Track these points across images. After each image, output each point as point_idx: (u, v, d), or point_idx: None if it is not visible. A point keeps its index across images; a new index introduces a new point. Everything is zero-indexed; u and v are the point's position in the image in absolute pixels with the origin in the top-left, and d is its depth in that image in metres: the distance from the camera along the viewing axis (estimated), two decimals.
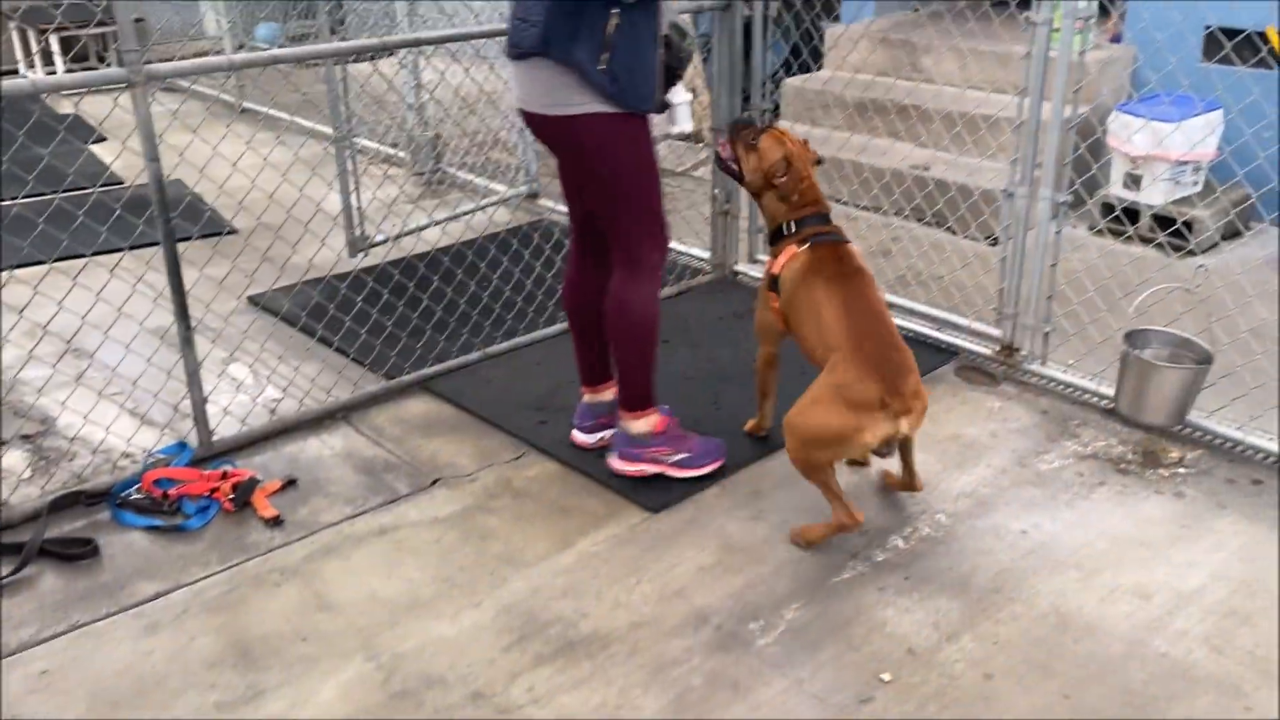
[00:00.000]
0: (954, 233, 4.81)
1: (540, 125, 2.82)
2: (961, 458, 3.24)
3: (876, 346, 2.71)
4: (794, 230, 2.97)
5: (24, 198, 4.51)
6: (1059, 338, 3.70)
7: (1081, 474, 3.15)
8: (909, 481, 3.00)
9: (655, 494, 3.06)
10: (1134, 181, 4.70)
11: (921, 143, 5.25)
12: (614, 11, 2.62)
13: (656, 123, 2.88)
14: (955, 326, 3.90)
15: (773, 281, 2.99)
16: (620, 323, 2.94)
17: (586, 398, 3.24)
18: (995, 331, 3.75)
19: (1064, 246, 3.60)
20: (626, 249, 2.90)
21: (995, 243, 4.60)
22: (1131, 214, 4.69)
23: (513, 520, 2.97)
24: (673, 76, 2.86)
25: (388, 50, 3.43)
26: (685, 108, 2.99)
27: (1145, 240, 4.56)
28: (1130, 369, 3.24)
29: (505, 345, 3.90)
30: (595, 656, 2.47)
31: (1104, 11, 5.15)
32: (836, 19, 6.36)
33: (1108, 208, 4.77)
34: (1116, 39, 5.34)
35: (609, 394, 3.21)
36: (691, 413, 3.47)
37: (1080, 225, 4.82)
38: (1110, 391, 3.40)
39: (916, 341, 3.90)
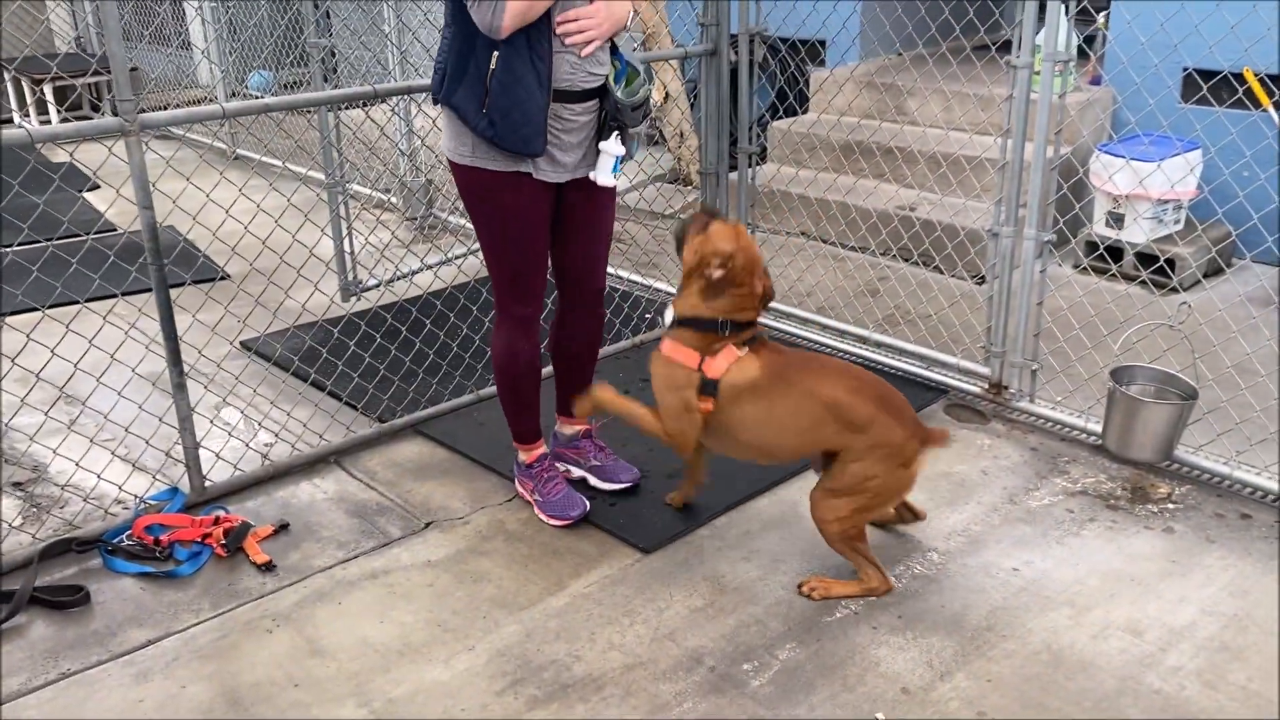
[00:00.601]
0: (941, 271, 4.86)
1: (452, 171, 2.90)
2: (953, 495, 3.25)
3: (880, 392, 2.75)
4: (728, 332, 2.77)
5: (18, 245, 4.52)
6: (1046, 375, 3.74)
7: (1071, 510, 3.16)
8: (913, 512, 3.04)
9: (647, 534, 3.07)
10: (1116, 220, 4.76)
11: (907, 184, 5.32)
12: (495, 53, 2.65)
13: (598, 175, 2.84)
14: (944, 365, 3.93)
15: (707, 385, 2.76)
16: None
17: None
18: (984, 369, 3.78)
19: (1049, 285, 3.65)
20: (495, 296, 3.01)
21: (982, 281, 4.65)
22: (1115, 252, 4.75)
23: (506, 563, 2.97)
24: (613, 126, 2.78)
25: (379, 98, 3.46)
26: (608, 159, 2.80)
27: (1129, 278, 4.62)
28: (1117, 405, 3.27)
29: (460, 400, 3.87)
30: (589, 700, 2.46)
31: (1083, 55, 5.24)
32: (821, 63, 6.45)
33: (1091, 246, 4.83)
34: (1096, 81, 5.43)
35: (565, 428, 3.34)
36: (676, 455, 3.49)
37: (1065, 263, 4.87)
38: (1098, 428, 3.43)
39: (905, 380, 3.94)
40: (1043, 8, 3.33)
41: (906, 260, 5.00)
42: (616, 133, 2.78)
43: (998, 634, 2.65)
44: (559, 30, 2.68)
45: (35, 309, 3.36)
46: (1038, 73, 3.40)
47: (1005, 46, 3.65)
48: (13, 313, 3.88)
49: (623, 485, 3.26)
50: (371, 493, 3.32)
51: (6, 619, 2.73)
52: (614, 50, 2.85)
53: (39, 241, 3.66)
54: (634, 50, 3.09)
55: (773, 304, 4.45)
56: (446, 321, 4.31)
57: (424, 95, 4.57)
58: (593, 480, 3.28)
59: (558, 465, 3.28)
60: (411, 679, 2.54)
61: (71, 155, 3.33)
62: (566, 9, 2.68)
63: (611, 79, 2.80)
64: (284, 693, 2.50)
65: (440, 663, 2.59)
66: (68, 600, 2.81)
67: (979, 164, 5.04)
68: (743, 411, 2.76)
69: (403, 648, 2.64)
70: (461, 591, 2.85)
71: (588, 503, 3.16)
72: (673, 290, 4.76)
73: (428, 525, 3.14)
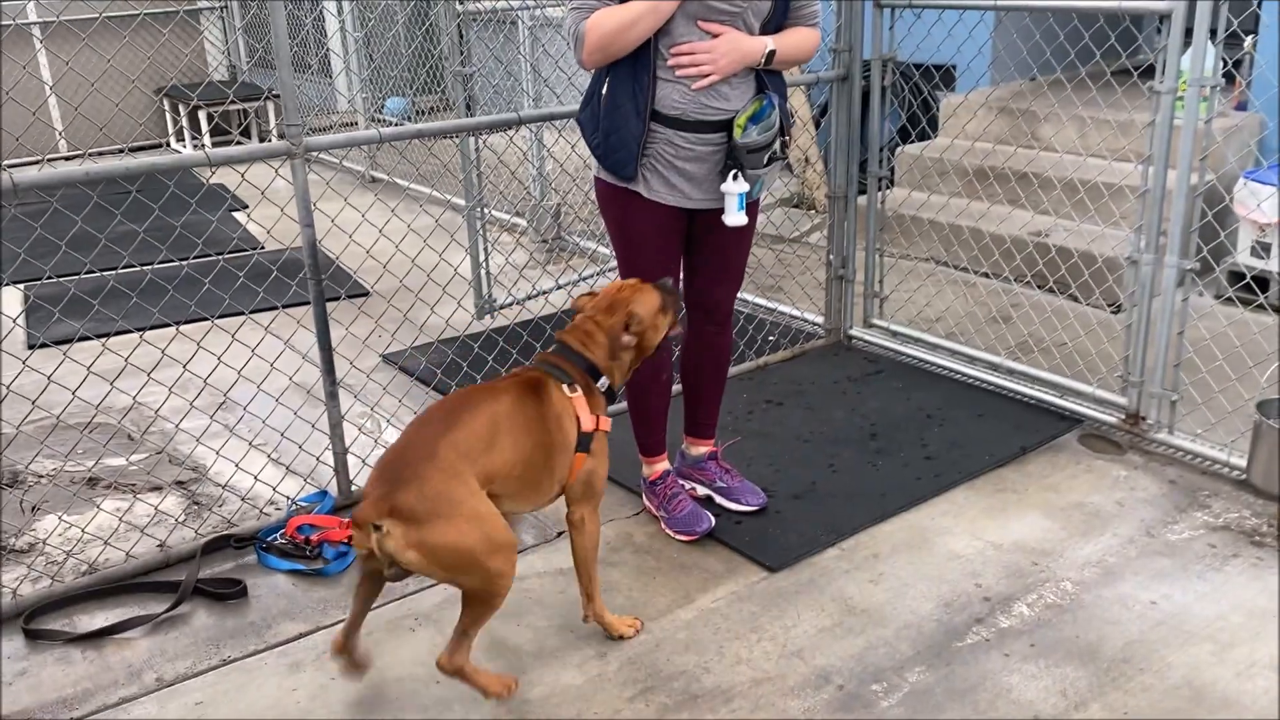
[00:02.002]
0: (1077, 300, 4.76)
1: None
2: (1086, 526, 3.20)
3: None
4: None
5: (160, 263, 4.82)
6: (1186, 406, 3.64)
7: (1213, 545, 3.08)
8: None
9: (773, 553, 3.10)
10: (1263, 249, 4.60)
11: (1042, 209, 5.24)
12: (606, 79, 2.81)
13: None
14: (1078, 394, 3.86)
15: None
16: None
17: None
18: (1120, 399, 3.70)
19: (1191, 314, 3.56)
20: None
21: (1118, 310, 4.55)
22: (1261, 282, 4.60)
23: (634, 574, 3.04)
24: (729, 164, 2.81)
25: (523, 123, 3.60)
26: (730, 198, 2.81)
27: (1276, 309, 4.46)
28: (1263, 439, 3.18)
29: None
30: (718, 711, 2.51)
31: (1229, 80, 5.10)
32: (952, 89, 6.41)
33: (1236, 276, 4.68)
34: (1242, 107, 5.27)
35: (691, 448, 3.39)
36: (808, 475, 3.52)
37: (1208, 293, 4.73)
38: (1241, 462, 3.33)
39: (1038, 408, 3.89)
40: (1189, 32, 3.28)
41: (1040, 287, 4.93)
42: (735, 172, 2.81)
43: (1135, 666, 2.60)
44: (671, 61, 2.75)
45: (205, 319, 3.61)
46: (1181, 98, 3.34)
47: (1148, 71, 3.59)
48: (185, 322, 4.14)
49: (750, 508, 3.29)
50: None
51: (173, 607, 2.92)
52: (762, 87, 2.84)
53: (185, 259, 3.91)
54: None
55: (899, 329, 4.48)
56: None
57: (562, 123, 4.72)
58: (719, 500, 3.33)
59: (682, 482, 3.34)
60: (546, 681, 2.63)
61: (242, 176, 3.55)
62: (685, 40, 2.73)
63: (747, 116, 2.79)
64: (426, 689, 2.62)
65: (574, 667, 2.67)
66: (227, 592, 2.99)
67: (1118, 190, 4.94)
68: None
69: (537, 651, 2.74)
70: None
71: (713, 519, 3.22)
72: (795, 312, 4.80)
73: (559, 535, 3.24)
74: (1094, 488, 3.41)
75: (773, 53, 2.79)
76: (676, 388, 3.33)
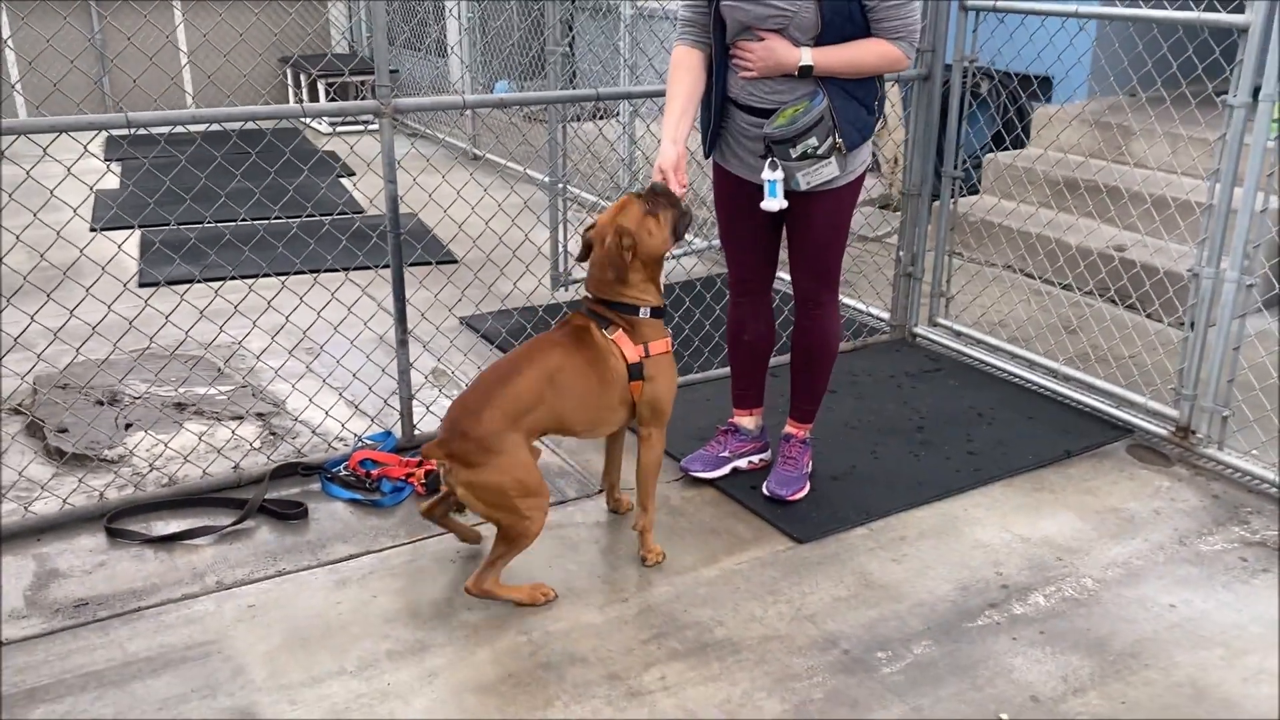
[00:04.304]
0: (1151, 317, 4.72)
1: None
2: (1118, 529, 3.23)
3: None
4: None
5: (289, 218, 5.15)
6: (1238, 423, 3.62)
7: (1245, 559, 3.08)
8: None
9: (802, 526, 3.21)
10: None
11: (1128, 224, 5.19)
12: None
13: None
14: (1131, 404, 3.86)
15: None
16: None
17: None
18: (1172, 412, 3.70)
19: (1250, 333, 3.54)
20: None
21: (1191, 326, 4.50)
22: None
23: (666, 533, 3.19)
24: (769, 152, 2.98)
25: (602, 100, 3.77)
26: (769, 185, 2.99)
27: None
28: None
29: (681, 379, 4.13)
30: (725, 659, 2.64)
31: None
32: (1049, 99, 6.37)
33: None
34: None
35: (740, 419, 3.56)
36: (849, 459, 3.62)
37: (1269, 314, 4.65)
38: None
39: (1089, 415, 3.91)
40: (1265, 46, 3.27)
41: (1113, 301, 4.90)
42: (772, 160, 2.99)
43: (1141, 662, 2.65)
44: (731, 58, 3.05)
45: (305, 272, 3.90)
46: (1278, 119, 3.31)
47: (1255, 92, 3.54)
48: (288, 273, 4.42)
49: (785, 498, 3.33)
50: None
51: (239, 522, 3.18)
52: (817, 93, 2.95)
53: (313, 217, 4.21)
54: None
55: (962, 329, 4.52)
56: None
57: (653, 118, 4.88)
58: (767, 486, 3.37)
59: (733, 443, 3.50)
60: (569, 618, 2.79)
61: (347, 146, 3.80)
62: (742, 39, 2.99)
63: (790, 112, 2.94)
64: (457, 614, 2.81)
65: (595, 608, 2.83)
66: (290, 513, 3.23)
67: (1210, 209, 4.86)
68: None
69: (565, 590, 2.90)
70: (623, 551, 3.09)
71: (723, 473, 3.45)
72: (862, 306, 4.87)
73: (600, 491, 3.40)
74: (1133, 495, 3.42)
75: (808, 67, 2.92)
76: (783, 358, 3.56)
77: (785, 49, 2.92)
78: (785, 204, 3.03)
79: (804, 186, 3.03)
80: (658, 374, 2.94)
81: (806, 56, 2.91)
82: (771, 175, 2.99)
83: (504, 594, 2.81)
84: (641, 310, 2.94)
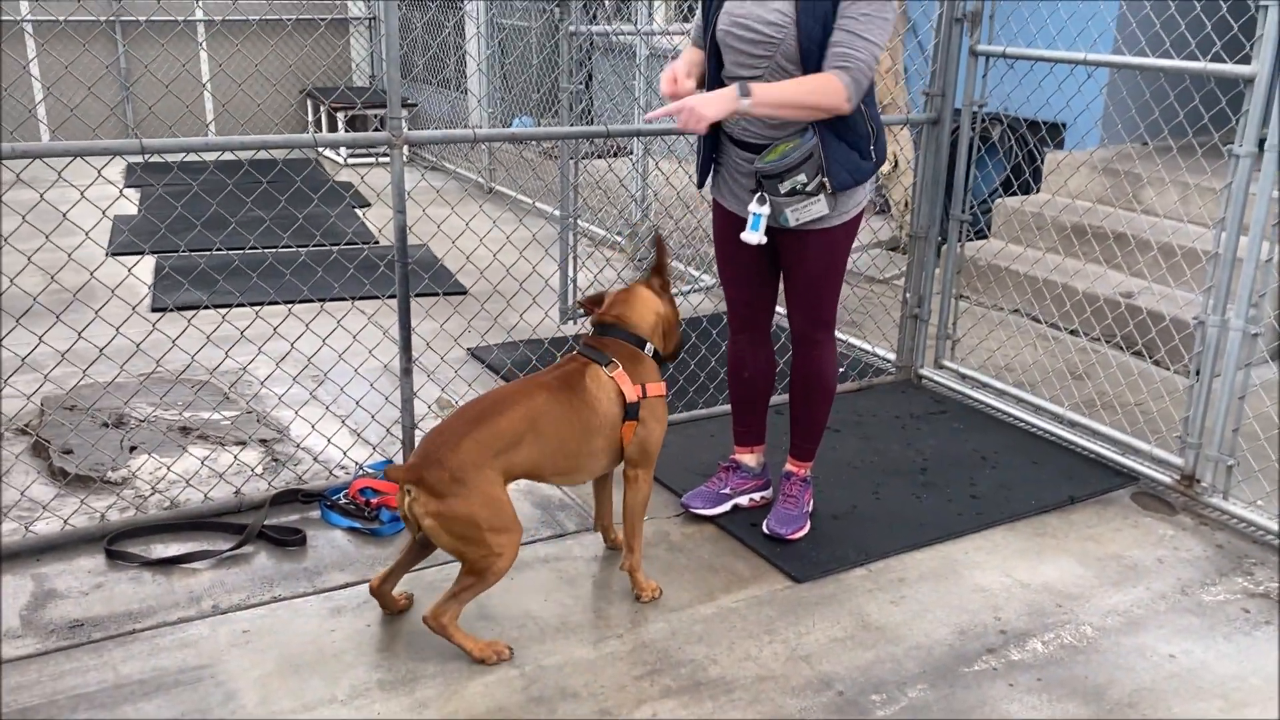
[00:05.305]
0: (1166, 367, 4.71)
1: None
2: (1120, 577, 3.20)
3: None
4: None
5: (298, 246, 5.21)
6: (1243, 473, 3.60)
7: (1247, 610, 3.05)
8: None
9: (801, 565, 3.20)
10: None
11: (1135, 271, 5.20)
12: None
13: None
14: (1136, 451, 3.84)
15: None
16: None
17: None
18: (1177, 460, 3.68)
19: (1255, 382, 3.53)
20: None
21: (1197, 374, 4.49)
22: None
23: (664, 569, 3.17)
24: (759, 185, 3.01)
25: (611, 136, 3.81)
26: (752, 218, 3.02)
27: None
28: None
29: (685, 415, 4.15)
30: (718, 698, 2.62)
31: None
32: (1060, 145, 6.40)
33: None
34: None
35: (740, 456, 3.56)
36: (850, 498, 3.60)
37: (1275, 365, 4.63)
38: None
39: (1094, 462, 3.89)
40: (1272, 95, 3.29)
41: (1124, 348, 4.89)
42: (761, 194, 3.02)
43: (1138, 711, 2.62)
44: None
45: (311, 300, 3.93)
46: None
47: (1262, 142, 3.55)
48: (296, 301, 4.45)
49: (785, 537, 3.31)
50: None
51: (237, 546, 3.18)
52: (807, 130, 2.95)
53: (323, 246, 4.25)
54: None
55: (969, 372, 4.51)
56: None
57: (660, 155, 4.92)
58: (767, 524, 3.35)
59: (734, 480, 3.49)
60: (562, 652, 2.78)
61: (362, 178, 3.85)
62: (731, 74, 3.01)
63: (778, 151, 2.95)
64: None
65: (590, 644, 2.82)
66: (288, 540, 3.24)
67: (1216, 258, 4.86)
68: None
69: (560, 625, 2.89)
70: (619, 586, 3.08)
71: (724, 510, 3.45)
72: (868, 347, 4.88)
73: None
74: (1136, 542, 3.40)
75: (748, 105, 2.82)
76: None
77: (713, 101, 2.82)
78: (764, 239, 3.05)
79: (793, 223, 3.04)
80: (650, 417, 2.94)
81: (743, 100, 2.81)
82: (757, 209, 3.01)
83: (458, 639, 2.71)
84: (647, 347, 2.97)
